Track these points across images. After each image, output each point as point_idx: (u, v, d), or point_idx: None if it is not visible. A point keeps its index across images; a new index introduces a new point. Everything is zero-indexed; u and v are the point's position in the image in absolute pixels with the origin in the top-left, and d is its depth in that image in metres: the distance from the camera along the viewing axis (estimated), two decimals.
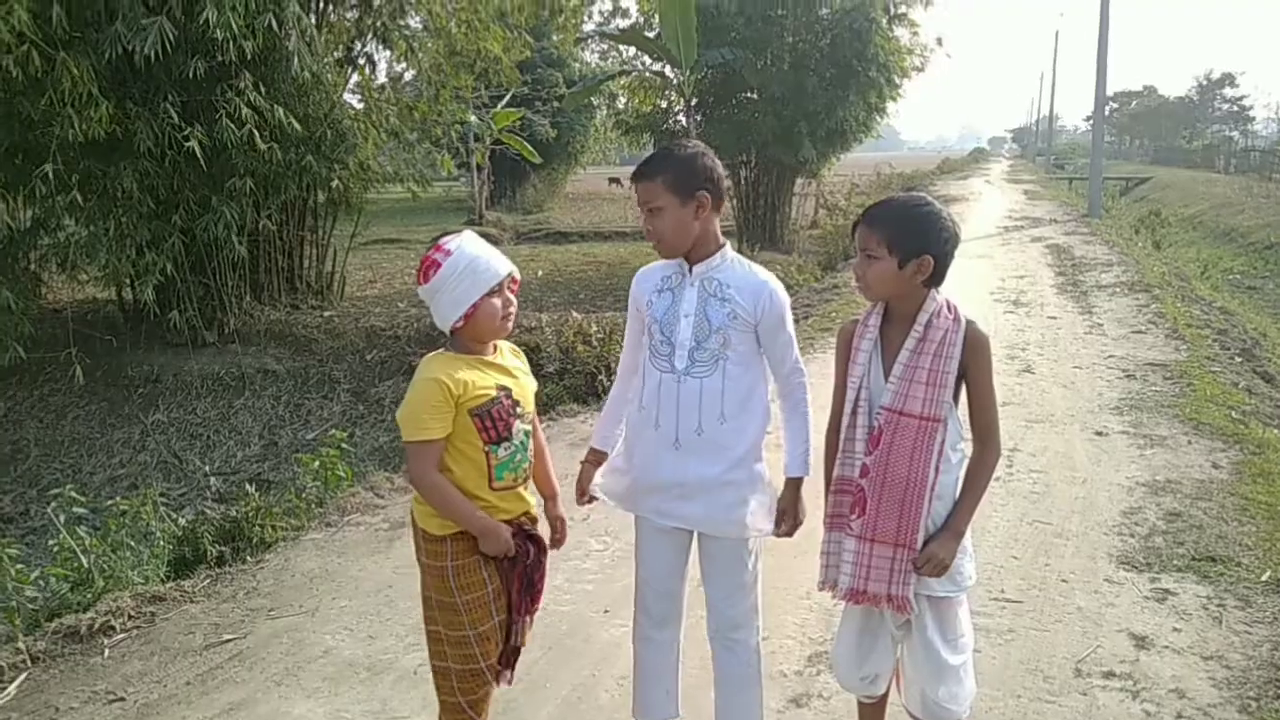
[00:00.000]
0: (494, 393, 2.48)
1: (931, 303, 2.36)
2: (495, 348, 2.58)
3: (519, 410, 2.55)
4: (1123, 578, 4.07)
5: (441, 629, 2.55)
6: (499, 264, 2.49)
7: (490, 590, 2.53)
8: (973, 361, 2.35)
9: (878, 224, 2.35)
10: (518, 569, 2.57)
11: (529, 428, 2.61)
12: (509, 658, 2.66)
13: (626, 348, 2.83)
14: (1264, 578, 3.99)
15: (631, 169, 2.80)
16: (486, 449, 2.47)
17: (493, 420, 2.46)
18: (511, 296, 2.55)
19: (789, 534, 2.67)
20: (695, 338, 2.57)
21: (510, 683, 2.72)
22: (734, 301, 2.56)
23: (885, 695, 2.65)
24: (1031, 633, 3.64)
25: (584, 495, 2.86)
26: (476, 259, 2.46)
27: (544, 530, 2.68)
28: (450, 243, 2.48)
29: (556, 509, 2.78)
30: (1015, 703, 3.18)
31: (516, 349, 2.69)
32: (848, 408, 2.45)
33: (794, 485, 2.64)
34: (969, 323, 2.37)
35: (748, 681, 2.73)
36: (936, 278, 2.35)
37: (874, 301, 2.46)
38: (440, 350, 2.56)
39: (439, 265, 2.44)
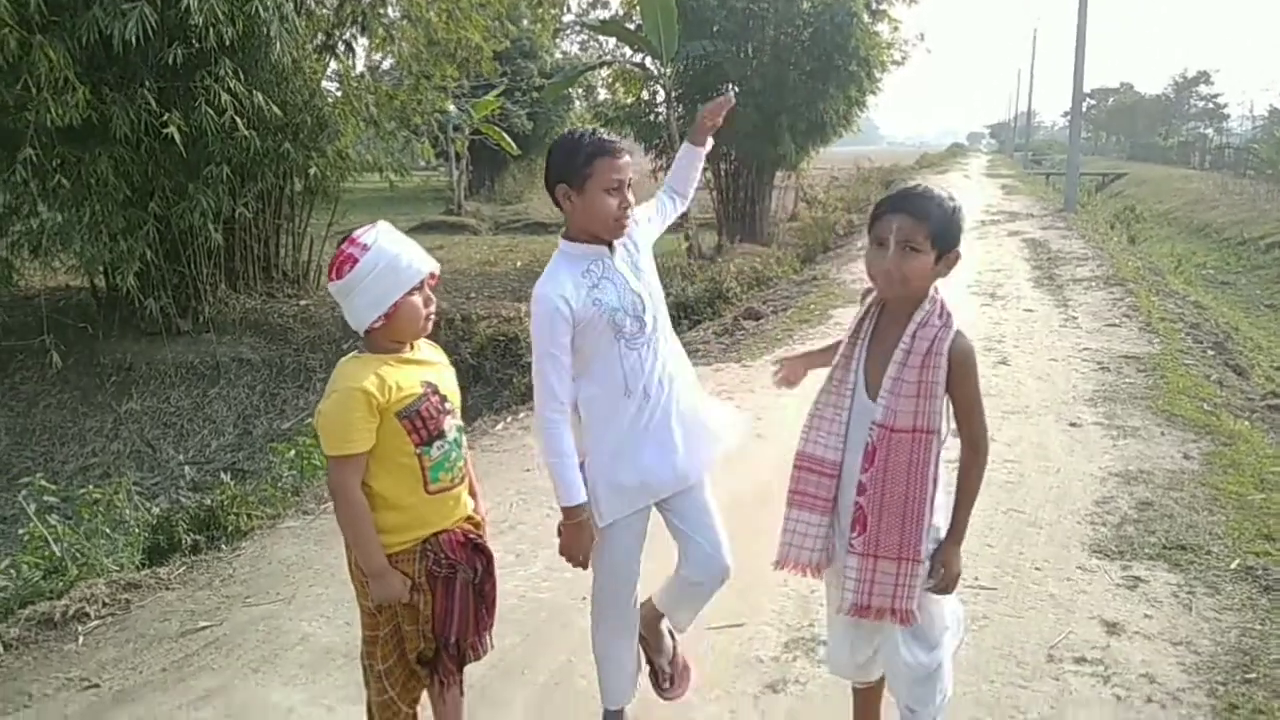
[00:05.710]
0: (420, 390, 2.33)
1: (930, 303, 2.23)
2: (412, 344, 2.42)
3: (447, 405, 2.39)
4: (1095, 565, 4.11)
5: (366, 631, 2.47)
6: (420, 261, 2.33)
7: (420, 616, 2.41)
8: (956, 375, 2.23)
9: (927, 216, 2.17)
10: (463, 586, 2.43)
11: (460, 423, 2.45)
12: (458, 662, 2.49)
13: (560, 378, 2.45)
14: (1232, 566, 4.04)
15: None
16: (419, 451, 2.31)
17: (422, 419, 2.31)
18: (431, 294, 2.39)
19: None
20: (653, 297, 2.60)
21: (462, 693, 2.58)
22: (637, 242, 2.62)
23: (881, 683, 2.62)
24: (1005, 619, 3.67)
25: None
26: (397, 256, 2.28)
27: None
28: (366, 236, 2.29)
29: (478, 509, 2.58)
30: (989, 687, 3.21)
31: (432, 342, 2.51)
32: (824, 384, 2.40)
33: None
34: (956, 334, 2.23)
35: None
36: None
37: (895, 299, 2.28)
38: (354, 353, 2.39)
39: (355, 260, 2.26)
